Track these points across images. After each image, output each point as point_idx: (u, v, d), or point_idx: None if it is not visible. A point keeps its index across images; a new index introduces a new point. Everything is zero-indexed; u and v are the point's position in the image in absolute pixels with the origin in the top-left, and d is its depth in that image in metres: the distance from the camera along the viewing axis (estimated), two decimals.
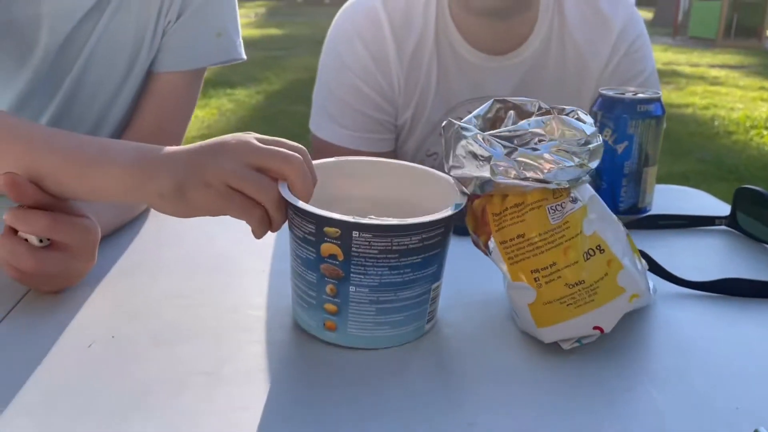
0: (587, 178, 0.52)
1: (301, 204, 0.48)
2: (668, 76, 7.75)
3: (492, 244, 0.52)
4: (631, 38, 1.05)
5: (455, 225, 0.51)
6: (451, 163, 0.53)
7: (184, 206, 0.52)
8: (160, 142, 0.83)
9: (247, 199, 0.51)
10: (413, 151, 1.11)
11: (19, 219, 0.53)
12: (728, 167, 4.12)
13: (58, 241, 0.54)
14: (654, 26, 14.51)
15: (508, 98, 0.58)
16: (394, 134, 1.10)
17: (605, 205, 0.54)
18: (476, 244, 0.56)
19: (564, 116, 0.53)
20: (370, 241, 0.46)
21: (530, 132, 0.51)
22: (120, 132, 0.85)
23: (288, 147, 0.54)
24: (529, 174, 0.49)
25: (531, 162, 0.49)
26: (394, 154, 1.12)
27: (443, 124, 0.55)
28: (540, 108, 0.56)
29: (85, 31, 0.77)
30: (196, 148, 0.53)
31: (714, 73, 8.19)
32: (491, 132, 0.52)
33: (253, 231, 0.53)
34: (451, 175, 0.54)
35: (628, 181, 0.79)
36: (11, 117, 0.57)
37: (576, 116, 0.54)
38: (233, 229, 0.71)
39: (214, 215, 0.52)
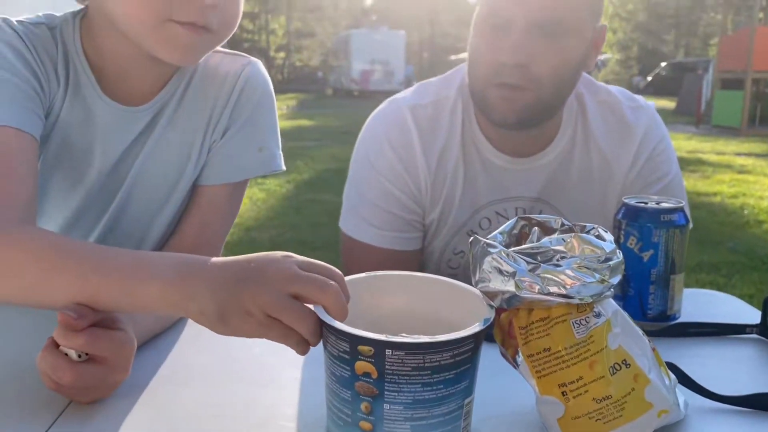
0: (610, 293, 0.54)
1: (336, 323, 0.50)
2: (694, 164, 7.78)
3: (520, 357, 0.53)
4: (653, 143, 1.09)
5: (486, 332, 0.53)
6: (477, 277, 0.55)
7: (224, 328, 0.55)
8: (201, 251, 0.88)
9: (286, 326, 0.53)
10: (440, 250, 1.14)
11: (60, 335, 0.56)
12: (760, 257, 4.05)
13: (95, 355, 0.57)
14: (676, 115, 14.71)
15: (532, 216, 0.61)
16: (422, 233, 1.13)
17: (629, 319, 0.55)
18: (504, 356, 0.57)
19: (584, 234, 0.55)
20: (402, 359, 0.48)
21: (552, 249, 0.54)
22: (163, 243, 0.90)
23: (325, 272, 0.56)
24: (552, 289, 0.51)
25: (554, 278, 0.51)
26: (421, 252, 1.15)
27: (470, 240, 0.57)
28: (563, 225, 0.59)
29: (135, 151, 0.83)
30: (237, 270, 0.56)
31: (741, 161, 8.20)
32: (515, 249, 0.55)
33: (294, 349, 0.55)
34: (478, 289, 0.56)
35: (655, 288, 0.80)
36: (63, 238, 0.62)
37: (596, 233, 0.56)
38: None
39: (255, 337, 0.55)
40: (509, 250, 0.54)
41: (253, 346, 0.72)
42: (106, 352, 0.58)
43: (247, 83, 0.88)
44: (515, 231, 0.60)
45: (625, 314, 0.56)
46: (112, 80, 0.81)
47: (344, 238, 1.14)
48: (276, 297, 0.53)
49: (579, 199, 1.10)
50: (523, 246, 0.56)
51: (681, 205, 0.80)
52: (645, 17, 32.13)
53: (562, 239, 0.54)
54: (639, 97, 1.14)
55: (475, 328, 0.50)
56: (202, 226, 0.89)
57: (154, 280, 0.56)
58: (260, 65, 0.92)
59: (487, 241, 0.55)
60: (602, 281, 0.52)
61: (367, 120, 1.14)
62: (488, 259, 0.54)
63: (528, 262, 0.52)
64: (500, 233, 0.59)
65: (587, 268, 0.52)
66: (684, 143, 9.95)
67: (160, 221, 0.88)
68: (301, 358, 0.69)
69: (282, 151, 0.94)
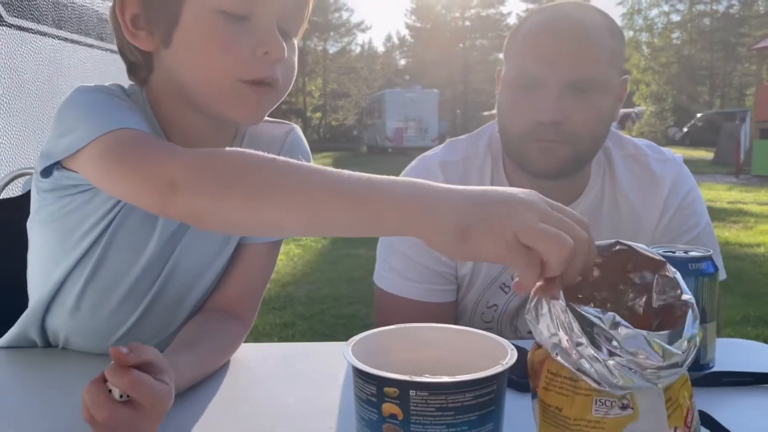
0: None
1: (362, 366, 0.52)
2: (735, 215, 7.61)
3: (537, 396, 0.54)
4: (681, 195, 1.09)
5: (515, 381, 0.53)
6: (528, 312, 0.54)
7: (463, 249, 0.52)
8: (242, 306, 0.91)
9: (533, 256, 0.50)
10: (474, 303, 1.14)
11: (111, 370, 0.59)
12: None
13: (135, 399, 0.59)
14: (715, 166, 14.48)
15: (632, 244, 0.58)
16: (455, 285, 1.14)
17: (664, 419, 0.51)
18: (529, 380, 0.57)
19: (658, 338, 0.49)
20: (426, 400, 0.49)
21: (610, 332, 0.48)
22: (204, 300, 0.93)
23: (572, 218, 0.53)
24: (584, 366, 0.49)
25: (592, 360, 0.48)
26: (455, 304, 1.15)
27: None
28: (616, 243, 0.57)
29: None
30: (480, 192, 0.54)
31: None
32: (572, 305, 0.50)
33: (520, 283, 0.52)
34: (526, 317, 0.55)
35: None
36: (283, 164, 0.61)
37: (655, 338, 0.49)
38: (301, 385, 0.75)
39: (491, 262, 0.52)
40: (567, 304, 0.50)
41: (287, 396, 0.74)
42: (145, 399, 0.60)
43: (291, 147, 0.94)
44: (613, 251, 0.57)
45: (664, 416, 0.50)
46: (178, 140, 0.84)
47: (378, 291, 1.15)
48: (534, 222, 0.50)
49: None
50: (579, 306, 0.50)
51: (709, 253, 0.80)
52: (678, 69, 32.12)
53: (635, 336, 0.48)
54: (666, 150, 1.16)
55: (496, 369, 0.51)
56: (244, 282, 0.93)
57: (385, 197, 0.55)
58: (300, 131, 0.98)
59: None
60: (647, 381, 0.48)
61: (400, 176, 1.18)
62: (552, 302, 0.51)
63: (582, 330, 0.48)
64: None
65: (631, 370, 0.47)
66: (725, 194, 9.76)
67: (203, 282, 0.92)
68: (334, 408, 0.70)
69: None
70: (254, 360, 0.86)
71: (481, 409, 0.50)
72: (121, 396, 0.59)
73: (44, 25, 1.91)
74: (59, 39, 2.00)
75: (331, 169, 0.60)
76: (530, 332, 1.18)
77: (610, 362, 0.48)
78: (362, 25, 55.14)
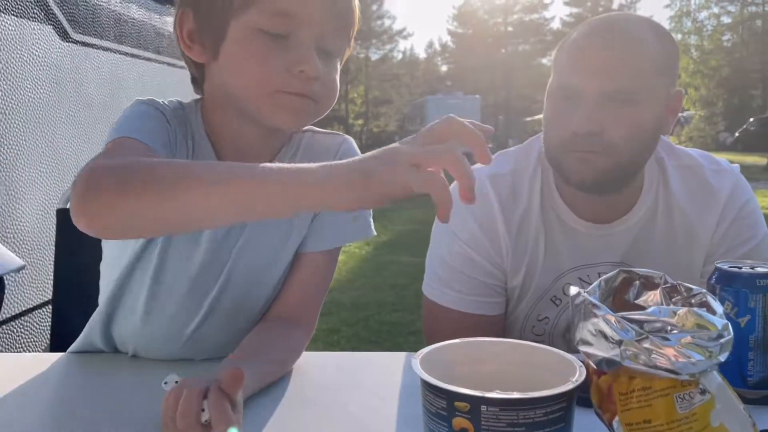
0: (716, 368, 0.52)
1: (432, 380, 0.53)
2: None
3: (617, 423, 0.54)
4: (737, 206, 1.07)
5: (579, 396, 0.53)
6: (579, 336, 0.55)
7: (369, 183, 0.56)
8: (302, 314, 0.93)
9: (434, 171, 0.55)
10: (524, 316, 1.14)
11: (213, 396, 0.62)
12: None
13: (215, 427, 0.61)
14: None
15: (635, 269, 0.61)
16: (504, 298, 1.14)
17: (732, 392, 0.54)
18: (599, 418, 0.58)
19: (696, 309, 0.53)
20: (497, 415, 0.49)
21: (661, 320, 0.52)
22: (265, 309, 0.95)
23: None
24: (659, 362, 0.50)
25: (661, 351, 0.50)
26: (504, 317, 1.15)
27: (572, 293, 0.58)
28: (666, 282, 0.58)
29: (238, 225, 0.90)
30: (361, 156, 0.59)
31: None
32: (622, 314, 0.54)
33: (438, 213, 0.57)
34: (579, 349, 0.56)
35: (755, 354, 0.77)
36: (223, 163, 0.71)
37: (703, 300, 0.55)
38: (363, 394, 0.77)
39: (396, 197, 0.56)
40: (617, 314, 0.53)
41: (349, 404, 0.75)
42: (224, 427, 0.61)
43: (344, 157, 0.94)
44: (615, 284, 0.60)
45: (728, 389, 0.54)
46: (228, 156, 0.89)
47: (427, 302, 1.16)
48: (420, 149, 0.57)
49: (663, 264, 1.08)
50: (631, 312, 0.54)
51: None
52: (729, 72, 31.16)
53: (672, 311, 0.53)
54: (722, 160, 1.13)
55: (567, 386, 0.52)
56: (303, 291, 0.95)
57: (289, 173, 0.59)
58: (353, 142, 1.01)
59: (593, 300, 0.55)
60: (710, 357, 0.51)
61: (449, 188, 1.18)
62: (593, 321, 0.53)
63: (636, 332, 0.51)
64: (604, 281, 0.59)
65: (697, 345, 0.50)
66: None
67: (263, 289, 0.94)
68: (396, 418, 0.71)
69: None
70: (316, 368, 0.87)
71: (552, 425, 0.51)
72: (206, 420, 0.62)
73: (106, 41, 1.99)
74: (120, 53, 2.08)
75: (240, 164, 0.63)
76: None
77: (677, 346, 0.50)
78: (404, 32, 55.35)
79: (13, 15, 1.57)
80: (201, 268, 0.90)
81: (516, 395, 0.50)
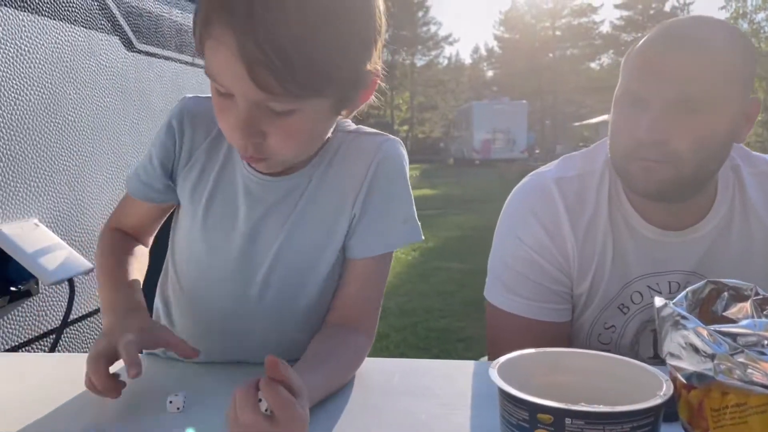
0: None
1: (514, 391, 0.52)
2: None
3: None
4: None
5: (665, 411, 0.52)
6: (667, 349, 0.54)
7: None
8: (361, 319, 0.94)
9: None
10: (590, 324, 1.12)
11: (265, 385, 0.62)
12: None
13: (277, 416, 0.62)
14: None
15: (723, 280, 0.59)
16: (570, 304, 1.12)
17: None
18: None
19: None
20: (582, 429, 0.48)
21: (757, 334, 0.50)
22: (312, 310, 0.96)
23: None
24: (754, 378, 0.49)
25: (757, 366, 0.49)
26: (570, 324, 1.13)
27: (657, 304, 0.56)
28: (757, 293, 0.56)
29: (276, 220, 0.91)
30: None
31: None
32: (715, 327, 0.52)
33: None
34: (667, 363, 0.55)
35: None
36: (114, 251, 0.97)
37: None
38: (431, 402, 0.76)
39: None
40: (709, 327, 0.51)
41: (419, 413, 0.75)
42: (287, 421, 0.62)
43: (384, 160, 0.92)
44: (702, 295, 0.58)
45: None
46: None
47: (490, 308, 1.15)
48: None
49: (739, 274, 1.04)
50: (723, 325, 0.53)
51: None
52: None
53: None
54: None
55: (655, 400, 0.50)
56: (358, 296, 0.94)
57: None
58: (397, 143, 0.96)
59: (680, 311, 0.54)
60: None
61: (511, 193, 1.17)
62: (683, 333, 0.52)
63: (730, 346, 0.50)
64: (691, 292, 0.58)
65: None
66: None
67: (306, 291, 0.94)
68: (468, 428, 0.70)
69: None
70: (380, 374, 0.87)
71: None
72: (266, 410, 0.62)
73: (168, 50, 2.05)
74: (180, 62, 2.14)
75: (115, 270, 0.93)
76: (652, 357, 1.14)
77: None
78: (450, 38, 55.26)
79: (83, 26, 1.64)
80: (239, 264, 0.92)
81: (603, 409, 0.49)
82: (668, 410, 0.54)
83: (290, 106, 0.74)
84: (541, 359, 0.61)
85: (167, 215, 1.02)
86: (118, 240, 1.00)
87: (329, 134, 0.89)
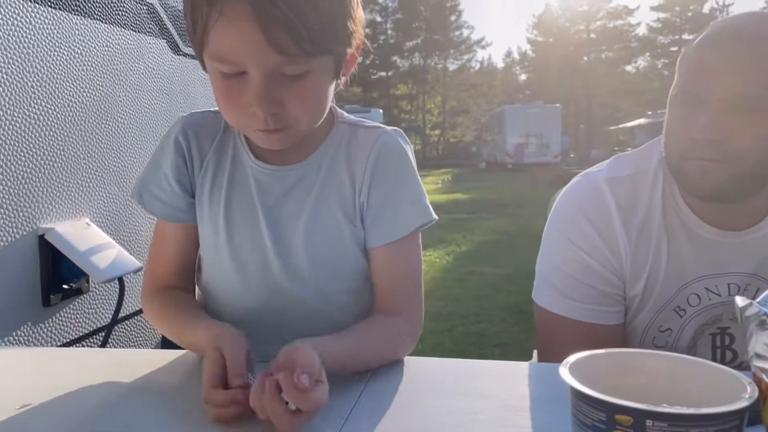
0: None
1: (590, 392, 0.50)
2: None
3: None
4: None
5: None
6: (753, 350, 0.52)
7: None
8: (397, 302, 0.96)
9: None
10: (645, 326, 1.09)
11: (288, 390, 0.64)
12: None
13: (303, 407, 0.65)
14: None
15: None
16: (623, 307, 1.09)
17: None
18: None
19: None
20: (664, 431, 0.47)
21: None
22: (354, 302, 0.98)
23: None
24: None
25: None
26: (623, 327, 1.11)
27: (740, 303, 0.54)
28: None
29: (293, 207, 0.94)
30: None
31: None
32: None
33: None
34: (752, 364, 0.53)
35: None
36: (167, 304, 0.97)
37: None
38: (489, 404, 0.75)
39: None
40: None
41: (477, 413, 0.74)
42: (314, 410, 0.66)
43: (383, 149, 0.95)
44: None
45: None
46: (263, 150, 0.95)
47: (538, 310, 1.13)
48: None
49: None
50: None
51: None
52: None
53: None
54: None
55: (741, 402, 0.48)
56: (391, 282, 0.96)
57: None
58: (396, 133, 0.99)
59: (766, 311, 0.52)
60: None
61: (560, 194, 1.15)
62: None
63: None
64: None
65: None
66: None
67: (343, 282, 0.97)
68: (528, 426, 0.69)
69: (439, 223, 1.00)
70: (433, 373, 0.87)
71: None
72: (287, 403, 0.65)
73: None
74: None
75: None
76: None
77: None
78: (483, 42, 55.07)
79: (132, 30, 1.67)
80: (269, 254, 0.94)
81: (687, 410, 0.47)
82: (751, 413, 0.52)
83: (304, 68, 0.79)
84: (612, 360, 0.59)
85: (197, 246, 1.02)
86: (166, 299, 0.98)
87: (330, 103, 0.92)
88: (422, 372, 0.88)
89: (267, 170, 0.94)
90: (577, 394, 0.52)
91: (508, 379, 0.83)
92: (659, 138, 1.10)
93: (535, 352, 1.92)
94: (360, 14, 0.86)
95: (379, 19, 47.74)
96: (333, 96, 0.92)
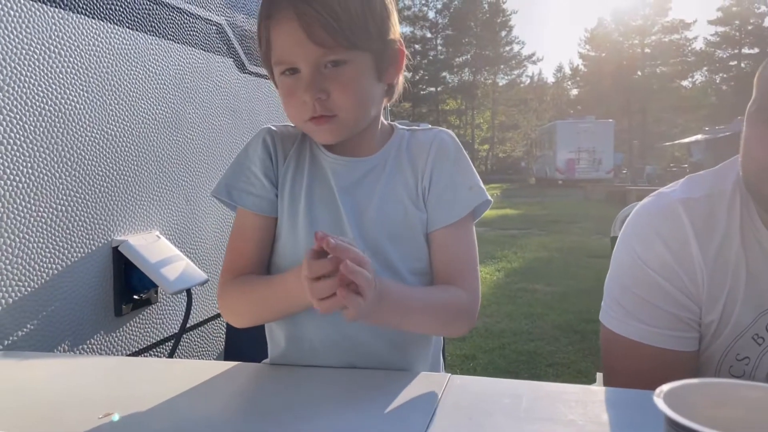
0: None
1: (696, 425, 0.49)
2: None
3: None
4: None
5: None
6: None
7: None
8: (460, 282, 1.02)
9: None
10: (721, 354, 1.05)
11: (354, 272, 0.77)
12: None
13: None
14: None
15: None
16: (698, 333, 1.06)
17: None
18: None
19: None
20: None
21: None
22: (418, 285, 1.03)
23: None
24: None
25: None
26: (696, 355, 1.07)
27: None
28: None
29: (367, 192, 1.04)
30: None
31: None
32: None
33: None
34: None
35: None
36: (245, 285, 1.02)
37: None
38: (573, 429, 0.74)
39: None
40: None
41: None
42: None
43: (441, 142, 1.08)
44: None
45: None
46: (337, 149, 1.06)
47: (605, 332, 1.10)
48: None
49: None
50: None
51: None
52: None
53: None
54: None
55: None
56: (450, 261, 1.03)
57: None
58: (448, 132, 1.11)
59: None
60: None
61: (631, 214, 1.12)
62: None
63: None
64: None
65: None
66: None
67: (417, 262, 1.03)
68: None
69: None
70: (506, 396, 0.85)
71: None
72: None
73: None
74: None
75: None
76: None
77: None
78: (533, 57, 54.64)
79: (202, 49, 1.73)
80: (346, 229, 1.02)
81: None
82: None
83: (342, 57, 0.94)
84: (707, 390, 0.57)
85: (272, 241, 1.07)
86: (247, 277, 1.04)
87: (381, 112, 1.07)
88: (495, 393, 0.86)
89: (342, 161, 1.05)
90: (677, 427, 0.50)
91: (585, 404, 0.81)
92: (735, 158, 1.07)
93: (598, 375, 1.87)
94: (394, 21, 1.02)
95: (429, 35, 48.02)
96: (385, 109, 1.08)
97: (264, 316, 1.04)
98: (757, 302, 1.01)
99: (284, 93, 0.98)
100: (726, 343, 1.04)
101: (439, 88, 47.52)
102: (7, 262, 1.14)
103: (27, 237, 1.18)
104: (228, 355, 1.38)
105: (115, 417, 0.77)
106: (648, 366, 1.05)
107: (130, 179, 1.45)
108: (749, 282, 1.00)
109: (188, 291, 1.49)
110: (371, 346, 1.00)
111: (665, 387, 0.56)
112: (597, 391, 0.86)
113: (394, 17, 1.03)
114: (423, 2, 48.01)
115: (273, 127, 1.11)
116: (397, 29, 1.04)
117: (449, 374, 0.91)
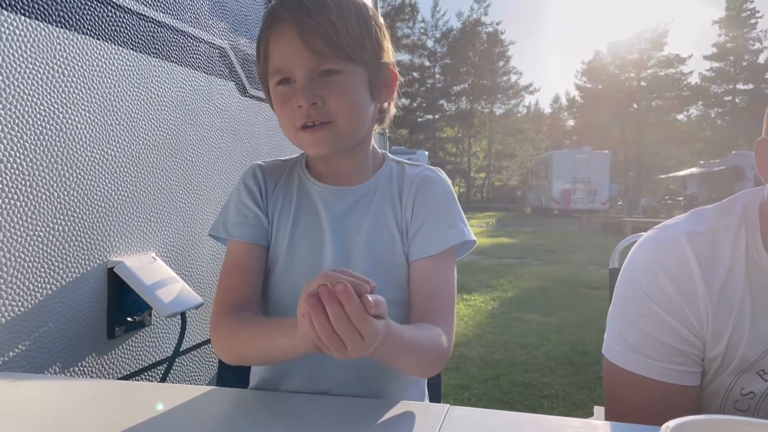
0: None
1: None
2: None
3: None
4: None
5: None
6: None
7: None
8: (438, 315, 1.01)
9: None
10: (726, 389, 1.04)
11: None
12: None
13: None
14: None
15: None
16: (701, 368, 1.04)
17: None
18: None
19: None
20: None
21: None
22: (399, 317, 1.00)
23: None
24: None
25: None
26: (699, 389, 1.06)
27: None
28: None
29: (353, 223, 1.05)
30: None
31: None
32: None
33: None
34: None
35: None
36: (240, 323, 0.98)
37: None
38: None
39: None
40: None
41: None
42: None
43: (425, 178, 1.10)
44: None
45: None
46: (326, 177, 1.10)
47: (609, 365, 1.09)
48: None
49: None
50: None
51: None
52: None
53: None
54: None
55: None
56: (428, 295, 1.03)
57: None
58: (436, 169, 1.13)
59: None
60: None
61: (634, 247, 1.12)
62: None
63: None
64: None
65: None
66: None
67: (399, 293, 1.04)
68: None
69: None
70: (507, 428, 0.84)
71: None
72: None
73: None
74: None
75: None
76: None
77: None
78: (531, 87, 55.23)
79: (205, 72, 1.73)
80: (335, 263, 1.03)
81: None
82: None
83: (337, 66, 0.96)
84: (714, 427, 0.56)
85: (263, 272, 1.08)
86: (244, 315, 1.02)
87: (371, 136, 1.10)
88: (495, 425, 0.85)
89: (331, 190, 1.08)
90: None
91: None
92: (742, 192, 1.07)
93: (596, 409, 1.85)
94: (389, 47, 1.05)
95: (427, 63, 48.53)
96: (382, 135, 1.18)
97: (257, 363, 1.06)
98: (765, 337, 1.00)
99: (278, 101, 1.00)
100: (731, 378, 1.03)
101: (436, 116, 47.87)
102: (1, 281, 1.12)
103: (22, 256, 1.17)
104: (221, 379, 1.35)
105: None
106: (652, 400, 1.03)
107: (128, 200, 1.44)
108: (755, 317, 0.99)
109: (183, 314, 1.47)
110: (343, 377, 1.04)
111: (671, 423, 0.55)
112: (599, 425, 0.84)
113: (389, 44, 1.05)
114: (422, 31, 48.66)
115: (262, 163, 1.14)
116: (391, 55, 1.06)
117: (448, 405, 0.89)
